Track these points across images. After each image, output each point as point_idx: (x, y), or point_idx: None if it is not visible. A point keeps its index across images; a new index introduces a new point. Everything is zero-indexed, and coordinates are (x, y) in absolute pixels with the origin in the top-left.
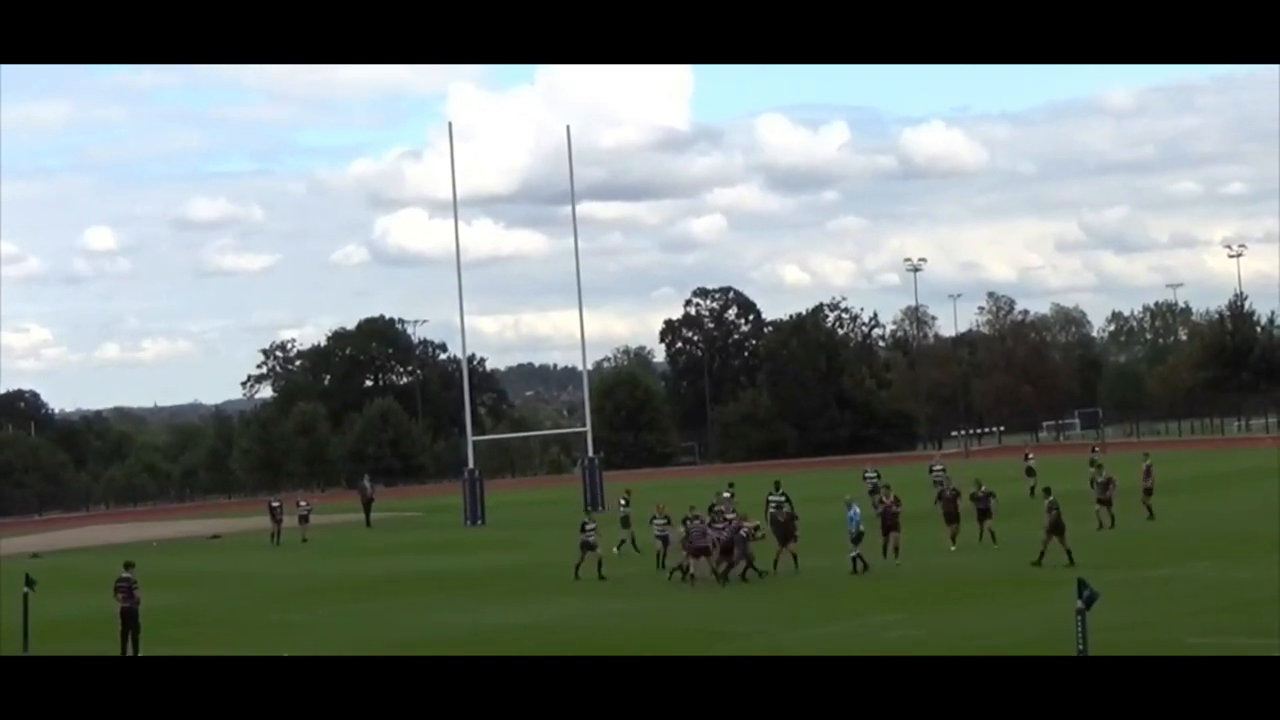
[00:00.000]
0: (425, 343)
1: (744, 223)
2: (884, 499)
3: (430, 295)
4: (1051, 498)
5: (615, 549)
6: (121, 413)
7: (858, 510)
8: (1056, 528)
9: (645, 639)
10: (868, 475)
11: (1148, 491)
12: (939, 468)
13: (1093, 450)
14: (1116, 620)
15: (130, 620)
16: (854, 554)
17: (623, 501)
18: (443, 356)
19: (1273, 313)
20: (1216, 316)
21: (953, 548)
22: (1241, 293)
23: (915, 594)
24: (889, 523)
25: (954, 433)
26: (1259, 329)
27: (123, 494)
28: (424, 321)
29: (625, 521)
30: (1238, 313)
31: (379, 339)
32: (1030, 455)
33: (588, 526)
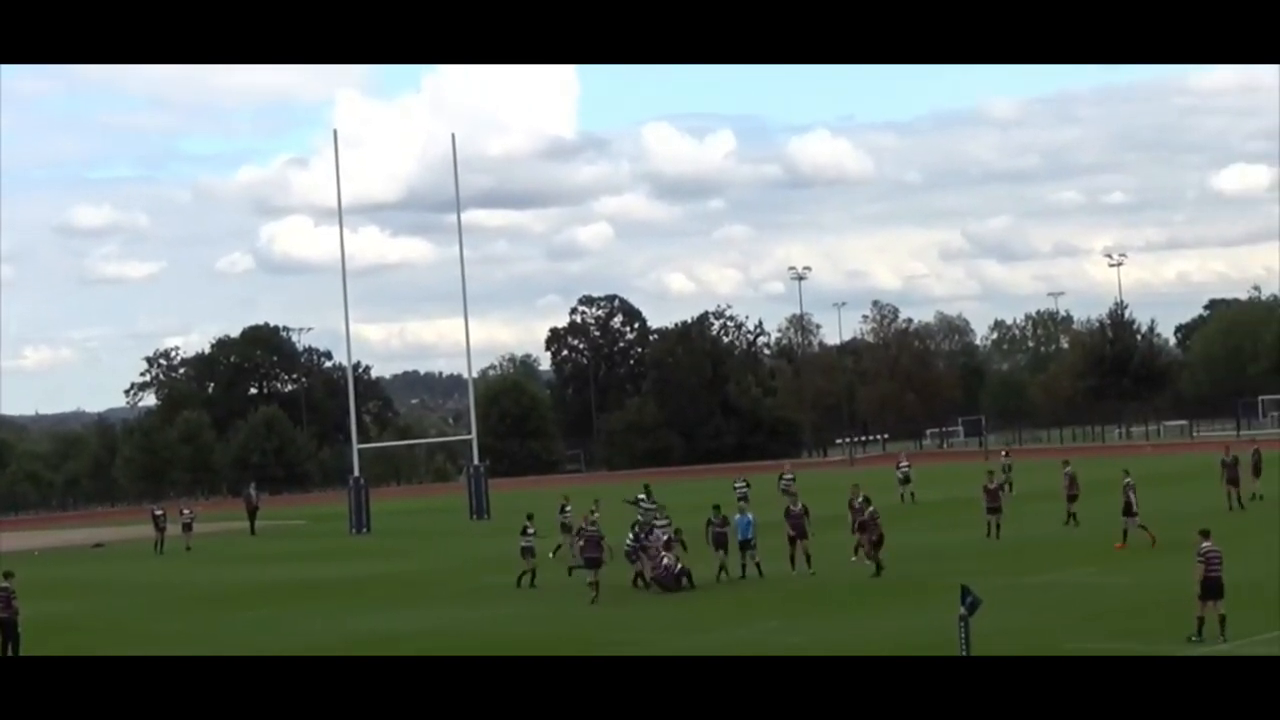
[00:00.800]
0: (310, 350)
1: (630, 231)
2: (793, 506)
3: (315, 303)
4: (872, 507)
5: (551, 554)
6: (2, 421)
7: (750, 517)
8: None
9: (529, 645)
10: (737, 486)
11: (1072, 498)
12: (789, 477)
13: (1004, 454)
14: (997, 626)
15: (8, 630)
16: (742, 561)
17: (565, 508)
18: (328, 364)
19: (1152, 321)
20: (1097, 325)
21: (810, 570)
22: (1122, 301)
23: (792, 601)
24: (798, 531)
25: (839, 440)
26: (1139, 337)
27: (3, 502)
28: (309, 329)
29: (565, 528)
30: (1118, 321)
31: (264, 347)
32: (904, 463)
33: (528, 531)
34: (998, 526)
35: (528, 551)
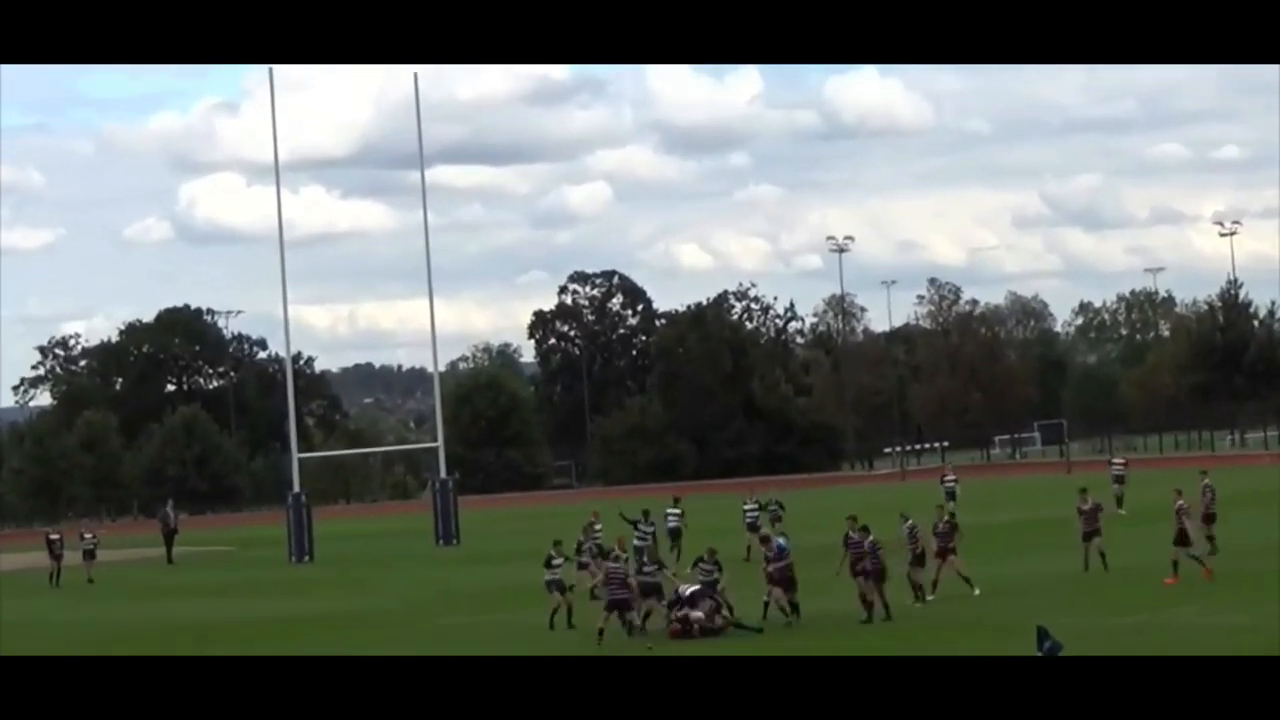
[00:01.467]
0: (240, 338)
1: (633, 192)
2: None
3: (247, 280)
4: (871, 537)
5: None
6: None
7: (784, 541)
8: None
9: None
10: (747, 508)
11: (1209, 518)
12: (750, 506)
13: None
14: None
15: None
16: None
17: (596, 526)
18: (262, 355)
19: (1273, 304)
20: (1205, 308)
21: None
22: (1235, 279)
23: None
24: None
25: (887, 449)
26: (1256, 323)
27: None
28: (239, 312)
29: (602, 552)
30: (1231, 303)
31: (183, 333)
32: (949, 476)
33: (554, 562)
34: (1102, 555)
35: (554, 586)
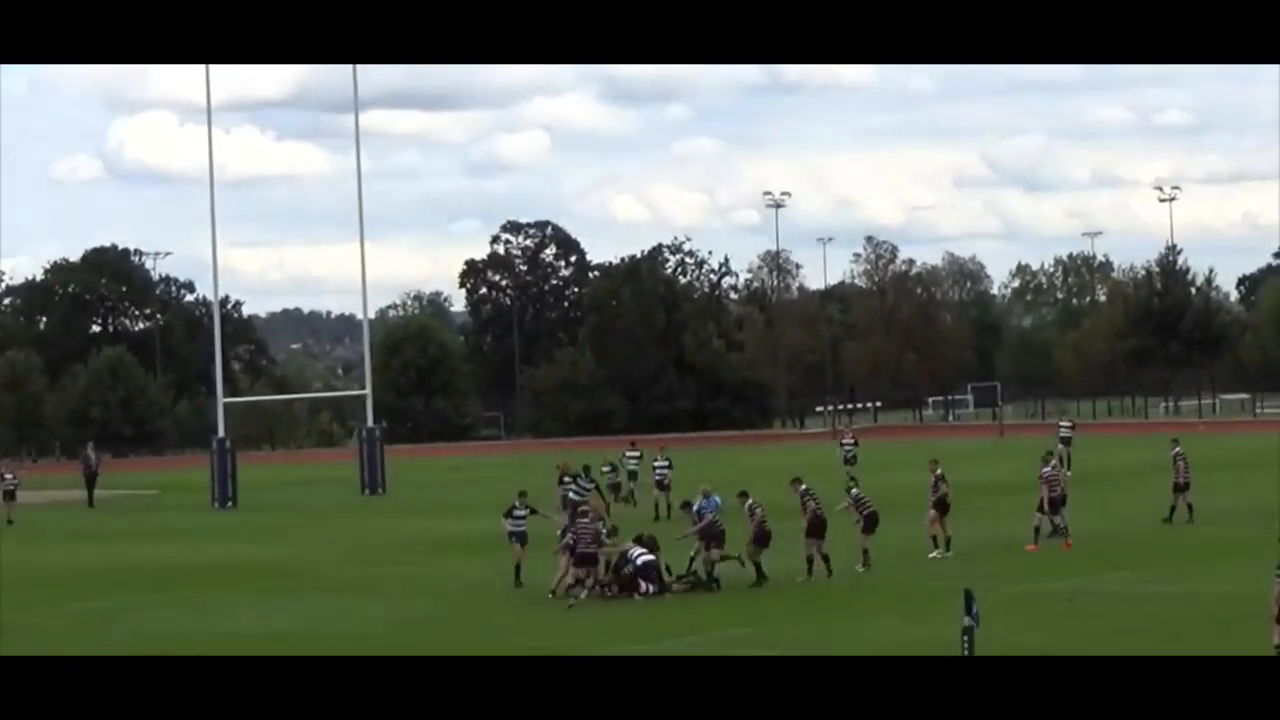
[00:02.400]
0: (168, 280)
1: (570, 142)
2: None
3: (176, 222)
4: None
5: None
6: None
7: (717, 499)
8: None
9: (431, 652)
10: (629, 456)
11: (1183, 487)
12: (662, 463)
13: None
14: (1006, 642)
15: None
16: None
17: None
18: (189, 298)
19: (1211, 271)
20: (1143, 274)
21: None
22: (1174, 245)
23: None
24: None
25: (819, 408)
26: (1194, 290)
27: None
28: (167, 254)
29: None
30: (1169, 270)
31: (110, 274)
32: (847, 440)
33: (517, 512)
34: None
35: (517, 538)
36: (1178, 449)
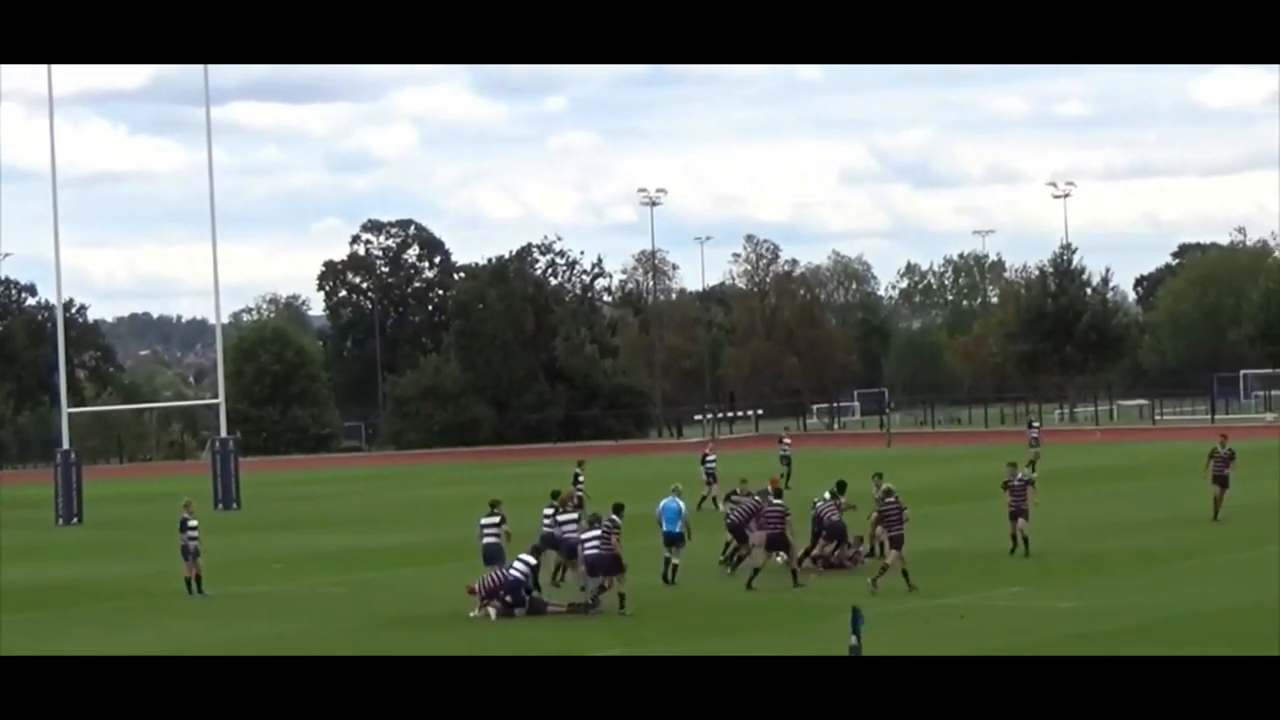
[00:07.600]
0: (7, 283)
1: (440, 136)
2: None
3: (16, 220)
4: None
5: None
6: None
7: (680, 504)
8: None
9: None
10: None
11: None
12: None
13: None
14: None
15: None
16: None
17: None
18: (30, 301)
19: (1107, 271)
20: (1036, 274)
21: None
22: (1069, 244)
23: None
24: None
25: (698, 416)
26: (1089, 291)
27: None
28: (6, 255)
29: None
30: (1063, 270)
31: None
32: (710, 456)
33: (485, 524)
34: (1025, 539)
35: (492, 553)
36: (1227, 446)
